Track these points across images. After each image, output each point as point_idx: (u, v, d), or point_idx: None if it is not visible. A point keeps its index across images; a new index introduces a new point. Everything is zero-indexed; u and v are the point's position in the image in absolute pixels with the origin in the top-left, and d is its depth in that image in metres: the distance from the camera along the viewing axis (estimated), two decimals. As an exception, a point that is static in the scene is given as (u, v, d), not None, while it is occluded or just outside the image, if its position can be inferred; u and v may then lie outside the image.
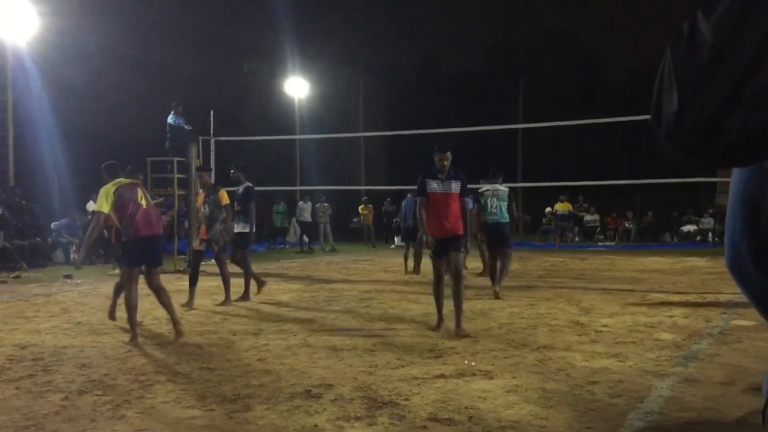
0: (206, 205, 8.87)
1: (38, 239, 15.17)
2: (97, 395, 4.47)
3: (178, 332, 6.41)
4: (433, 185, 6.67)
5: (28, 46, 18.34)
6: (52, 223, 15.96)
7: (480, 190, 9.85)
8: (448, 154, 6.67)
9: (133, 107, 27.00)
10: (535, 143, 35.76)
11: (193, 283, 8.69)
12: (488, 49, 47.90)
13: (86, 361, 5.52)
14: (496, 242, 9.76)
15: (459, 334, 6.38)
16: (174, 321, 6.49)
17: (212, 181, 9.28)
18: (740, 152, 1.35)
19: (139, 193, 6.55)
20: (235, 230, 9.28)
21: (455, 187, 6.69)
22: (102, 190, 6.45)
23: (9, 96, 17.54)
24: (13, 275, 12.70)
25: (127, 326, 6.98)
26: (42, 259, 14.95)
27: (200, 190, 9.27)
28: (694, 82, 1.34)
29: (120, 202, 6.38)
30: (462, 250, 6.84)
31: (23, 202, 16.27)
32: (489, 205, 9.70)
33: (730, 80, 1.30)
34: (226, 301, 8.88)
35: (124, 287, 6.51)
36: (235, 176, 9.59)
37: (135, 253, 6.46)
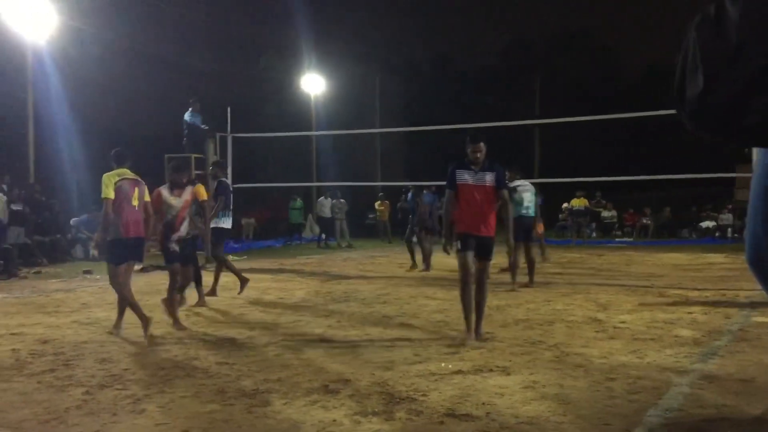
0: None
1: (58, 235, 15.33)
2: (117, 389, 4.52)
3: (115, 327, 6.54)
4: (465, 176, 6.07)
5: (47, 44, 18.52)
6: (71, 219, 16.12)
7: (513, 185, 9.94)
8: (482, 144, 6.07)
9: (150, 104, 27.19)
10: (552, 139, 35.57)
11: (197, 282, 8.37)
12: (504, 45, 47.64)
13: (106, 356, 5.58)
14: (524, 234, 9.87)
15: (478, 339, 6.03)
16: (118, 319, 6.58)
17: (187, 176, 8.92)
18: (764, 133, 1.35)
19: (136, 192, 6.59)
20: (214, 225, 9.14)
21: (490, 179, 6.06)
22: (105, 177, 6.51)
23: (29, 94, 17.74)
24: (33, 271, 12.85)
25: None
26: (62, 254, 15.09)
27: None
28: (720, 64, 1.33)
29: (116, 197, 6.47)
30: (491, 258, 6.20)
31: (43, 198, 16.45)
32: (524, 199, 10.01)
33: (756, 63, 1.29)
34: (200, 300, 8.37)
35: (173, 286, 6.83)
36: (212, 172, 9.64)
37: (121, 251, 6.57)
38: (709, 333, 6.32)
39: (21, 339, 6.29)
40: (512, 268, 9.83)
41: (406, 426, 3.73)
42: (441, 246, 6.52)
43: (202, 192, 8.41)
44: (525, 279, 10.00)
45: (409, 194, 13.76)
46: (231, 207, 9.57)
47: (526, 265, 10.08)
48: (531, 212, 10.12)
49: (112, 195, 6.42)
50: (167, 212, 7.01)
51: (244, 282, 9.04)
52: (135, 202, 6.55)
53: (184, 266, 7.16)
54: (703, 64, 1.37)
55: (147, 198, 6.85)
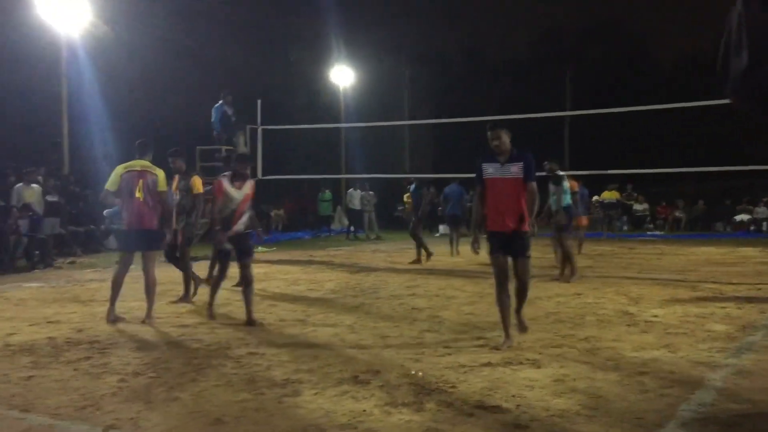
0: (179, 192, 8.09)
1: (92, 226, 15.58)
2: (151, 377, 4.60)
3: (148, 317, 6.70)
4: (490, 170, 5.53)
5: (81, 38, 18.79)
6: (105, 210, 16.35)
7: (561, 173, 10.02)
8: (498, 131, 5.50)
9: (181, 96, 27.42)
10: (583, 131, 35.19)
11: (186, 275, 8.14)
12: (535, 35, 47.20)
13: (140, 344, 5.68)
14: (568, 227, 9.98)
15: (519, 329, 5.76)
16: (148, 309, 6.75)
17: (184, 166, 8.29)
18: None
19: (140, 184, 6.67)
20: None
21: (516, 170, 5.44)
22: (115, 168, 6.78)
23: (63, 86, 18.03)
24: (68, 261, 13.09)
25: (183, 311, 7.20)
26: (96, 245, 15.36)
27: (175, 176, 8.23)
28: (765, 41, 1.31)
29: (120, 188, 6.67)
30: (528, 254, 5.53)
31: (77, 189, 16.72)
32: (570, 189, 10.10)
33: None
34: (185, 297, 8.03)
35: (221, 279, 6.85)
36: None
37: (125, 240, 6.90)
38: (743, 328, 6.22)
39: (57, 327, 6.43)
40: (570, 260, 9.81)
41: (436, 417, 3.74)
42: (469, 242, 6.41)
43: (198, 185, 8.15)
44: (554, 272, 9.95)
45: (412, 186, 13.73)
46: None
47: (557, 257, 10.03)
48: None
49: (110, 186, 6.70)
50: (226, 205, 6.62)
51: (196, 284, 8.44)
52: (138, 194, 6.64)
53: (242, 260, 6.73)
54: (748, 40, 1.36)
55: (162, 187, 6.80)
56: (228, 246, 6.65)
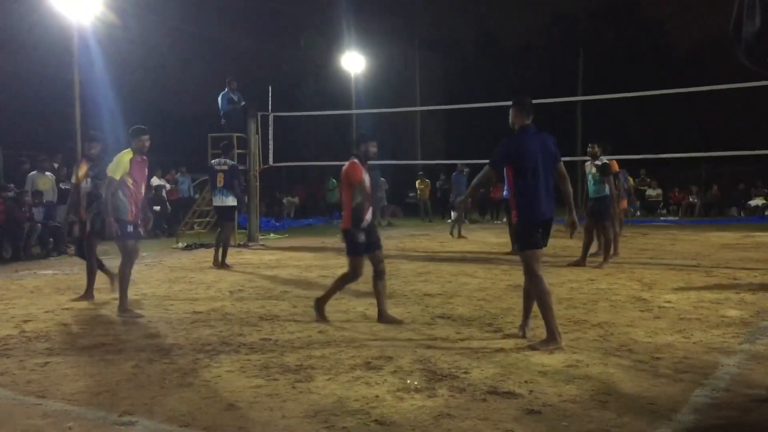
0: (89, 180, 7.44)
1: (106, 214, 15.68)
2: (165, 363, 4.63)
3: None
4: None
5: (92, 25, 18.80)
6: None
7: (606, 162, 9.85)
8: (511, 110, 5.15)
9: (192, 83, 27.48)
10: (595, 115, 34.98)
11: (90, 271, 7.44)
12: (547, 20, 46.86)
13: (154, 331, 5.72)
14: (606, 215, 9.95)
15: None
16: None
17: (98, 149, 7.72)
18: None
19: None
20: (224, 204, 10.12)
21: None
22: None
23: (75, 74, 18.05)
24: (82, 248, 13.16)
25: (196, 298, 7.23)
26: (109, 232, 15.44)
27: (82, 162, 7.62)
28: None
29: None
30: (520, 246, 5.14)
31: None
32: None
33: None
34: (87, 294, 7.33)
35: None
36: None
37: None
38: (757, 313, 6.18)
39: (72, 314, 6.48)
40: (608, 248, 9.77)
41: (449, 403, 3.75)
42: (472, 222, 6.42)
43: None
44: (568, 258, 9.91)
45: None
46: (217, 186, 10.17)
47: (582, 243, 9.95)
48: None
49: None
50: (358, 193, 5.77)
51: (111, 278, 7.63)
52: None
53: (375, 250, 6.04)
54: (761, 6, 1.38)
55: (109, 173, 6.78)
56: (363, 237, 5.89)
